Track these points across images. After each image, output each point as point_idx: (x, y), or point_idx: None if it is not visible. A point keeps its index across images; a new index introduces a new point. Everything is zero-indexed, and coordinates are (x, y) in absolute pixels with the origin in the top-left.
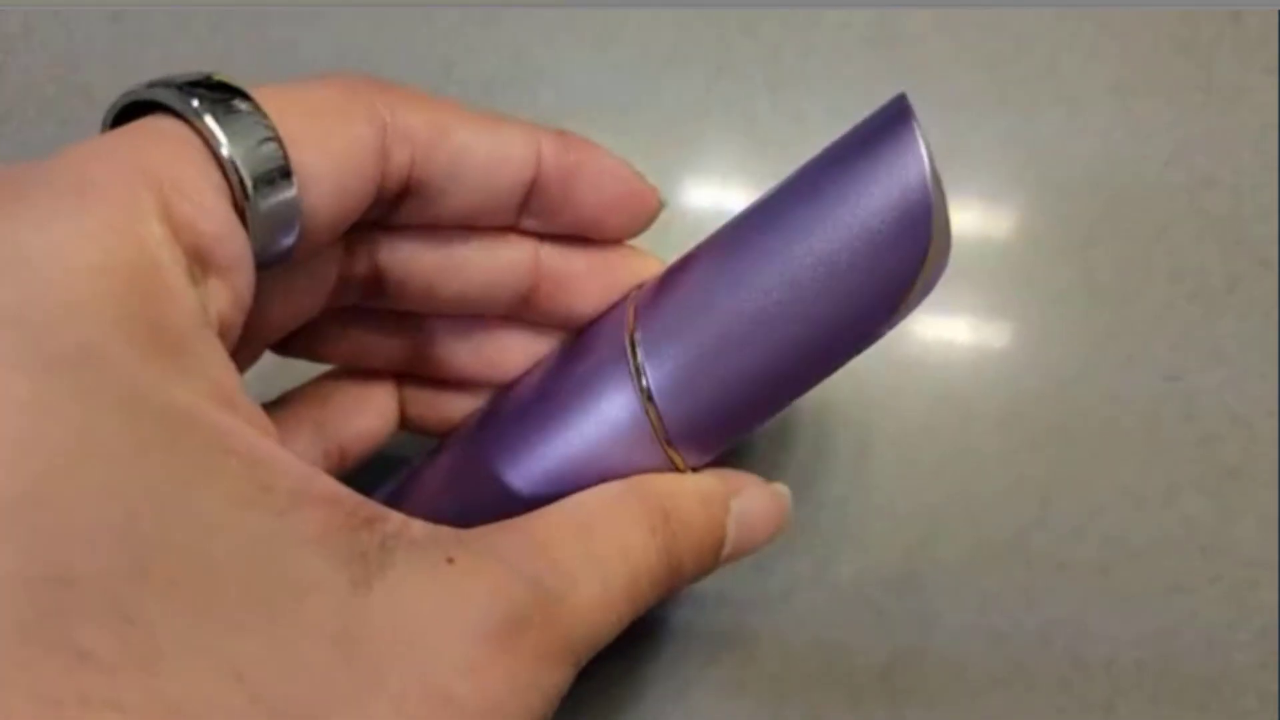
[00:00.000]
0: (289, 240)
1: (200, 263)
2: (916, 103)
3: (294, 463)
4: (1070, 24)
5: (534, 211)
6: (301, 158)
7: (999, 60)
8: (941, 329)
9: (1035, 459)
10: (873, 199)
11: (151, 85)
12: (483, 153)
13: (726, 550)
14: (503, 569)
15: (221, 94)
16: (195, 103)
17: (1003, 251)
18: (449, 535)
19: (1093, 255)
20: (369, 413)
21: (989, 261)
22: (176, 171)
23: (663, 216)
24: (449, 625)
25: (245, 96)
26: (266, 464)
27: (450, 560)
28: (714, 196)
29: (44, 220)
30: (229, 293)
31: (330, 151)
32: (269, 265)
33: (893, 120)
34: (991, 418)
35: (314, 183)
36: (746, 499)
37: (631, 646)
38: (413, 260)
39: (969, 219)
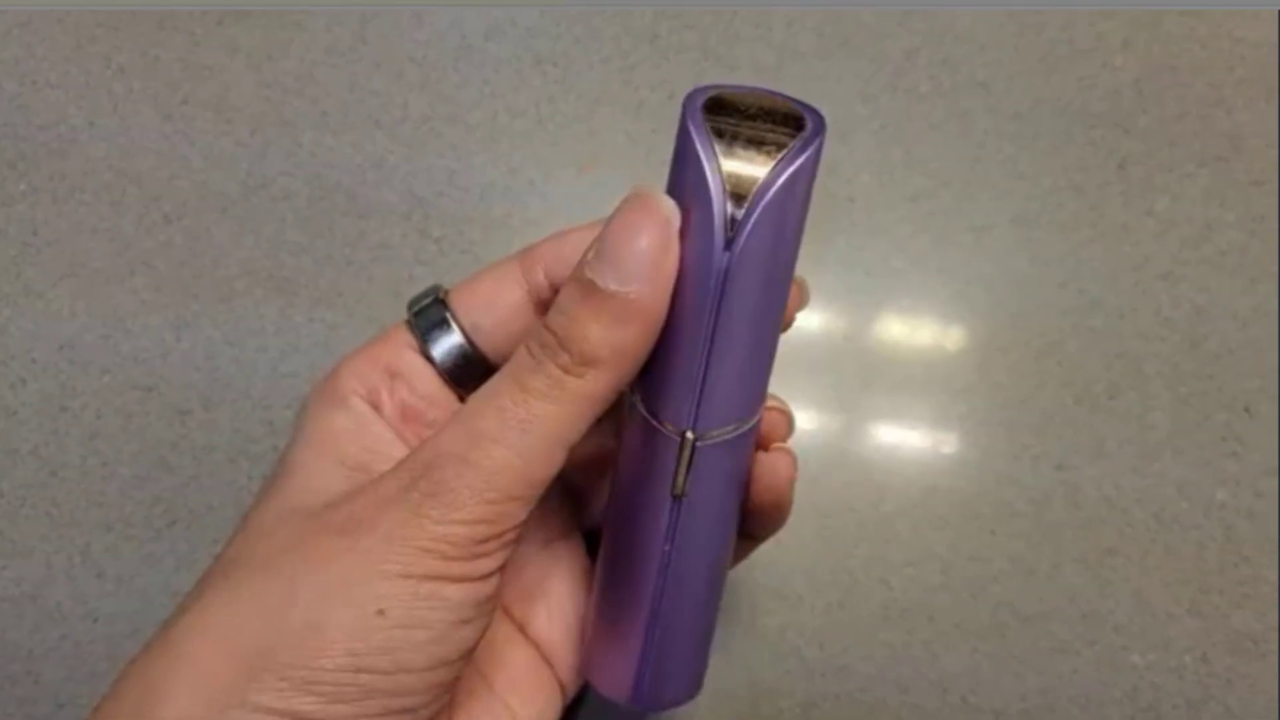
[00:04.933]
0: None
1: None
2: (849, 227)
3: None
4: (981, 165)
5: None
6: (474, 320)
7: (920, 194)
8: (862, 422)
9: (940, 533)
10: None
11: (413, 306)
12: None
13: (613, 287)
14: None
15: (433, 318)
16: (423, 339)
17: (915, 357)
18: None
19: (996, 362)
20: None
21: (905, 364)
22: (401, 364)
23: None
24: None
25: (444, 314)
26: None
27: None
28: None
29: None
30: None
31: (494, 311)
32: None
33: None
34: (903, 497)
35: (483, 331)
36: (599, 239)
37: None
38: None
39: (888, 330)
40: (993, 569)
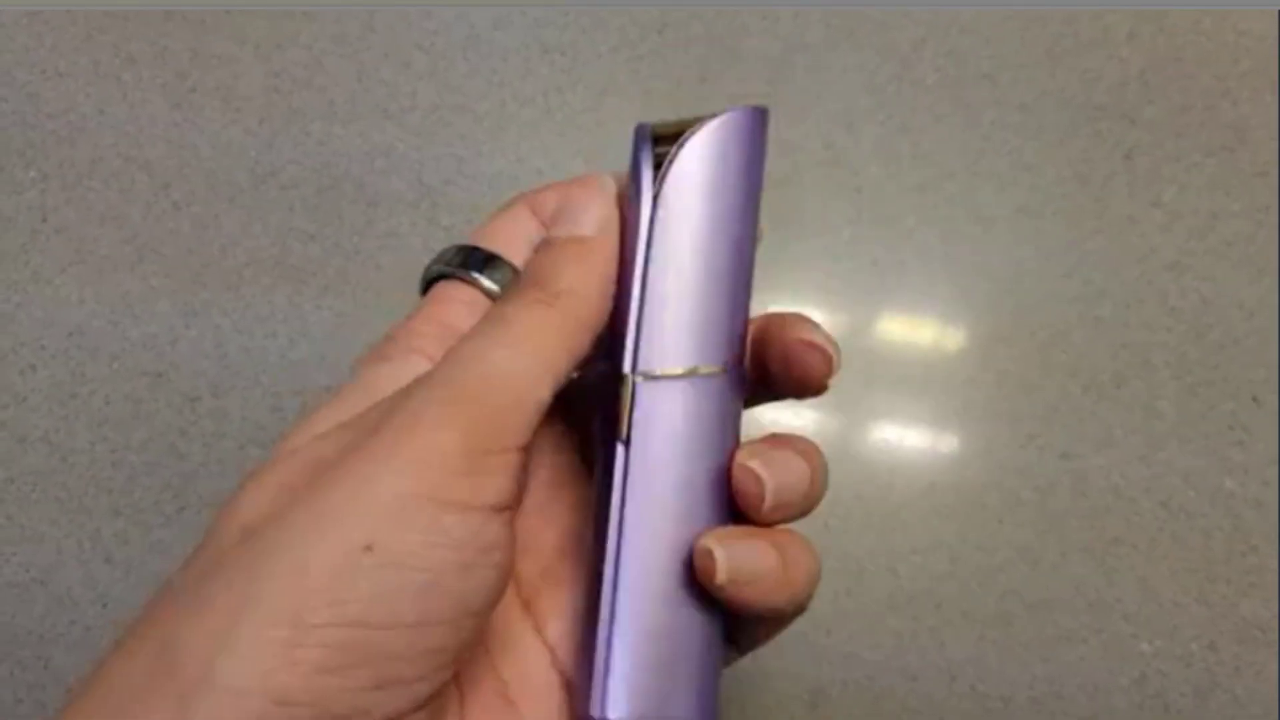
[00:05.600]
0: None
1: None
2: (854, 218)
3: None
4: (987, 157)
5: None
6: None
7: (925, 185)
8: (869, 412)
9: (947, 522)
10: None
11: (447, 263)
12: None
13: (564, 234)
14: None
15: (478, 259)
16: (476, 275)
17: (922, 348)
18: None
19: (1000, 351)
20: None
21: (911, 354)
22: (461, 315)
23: None
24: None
25: (485, 253)
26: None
27: None
28: None
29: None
30: None
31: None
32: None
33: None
34: (910, 486)
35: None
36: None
37: None
38: None
39: (895, 319)
40: (1000, 558)
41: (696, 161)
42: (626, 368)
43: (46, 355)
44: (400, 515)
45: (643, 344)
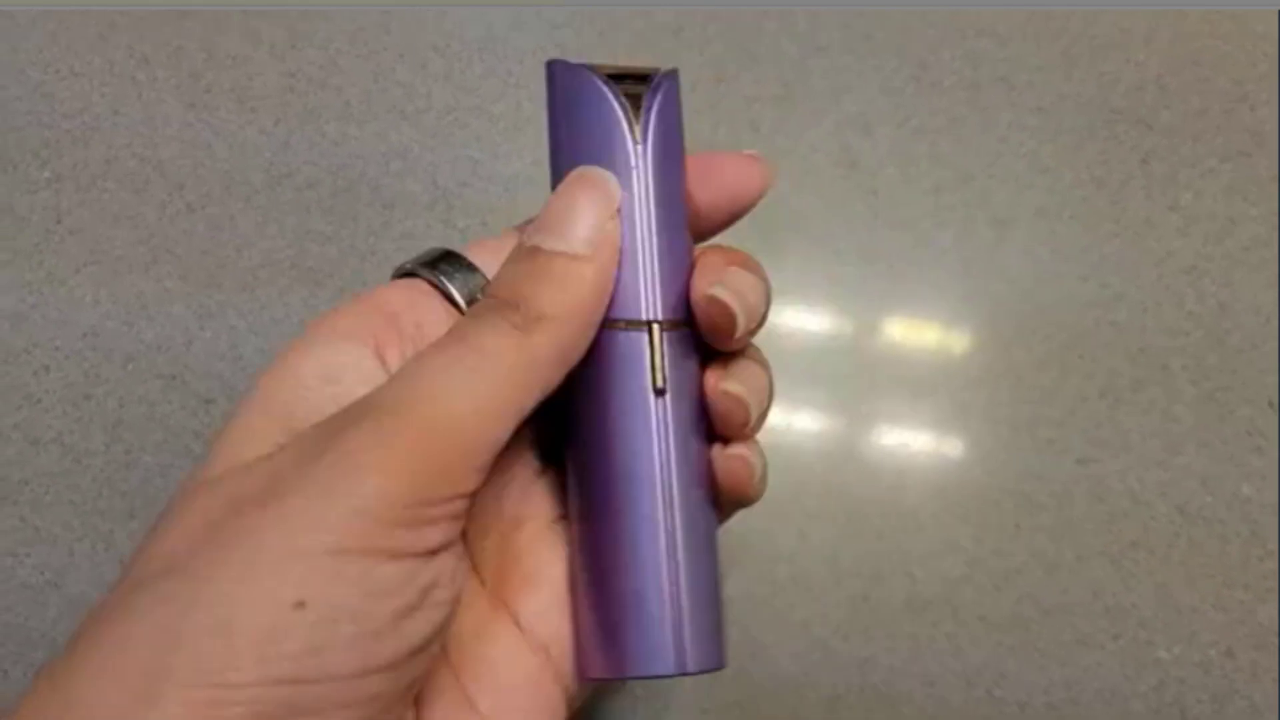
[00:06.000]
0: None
1: None
2: (871, 220)
3: None
4: (1004, 160)
5: None
6: None
7: (942, 187)
8: (884, 414)
9: (963, 526)
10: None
11: (420, 264)
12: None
13: (548, 245)
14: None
15: (450, 262)
16: (440, 277)
17: (937, 350)
18: None
19: (1018, 355)
20: None
21: (928, 358)
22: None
23: None
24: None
25: (461, 258)
26: None
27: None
28: None
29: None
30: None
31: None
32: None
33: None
34: (926, 490)
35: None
36: (539, 215)
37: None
38: None
39: (909, 321)
40: (1016, 562)
41: (671, 106)
42: (647, 315)
43: (60, 356)
44: (334, 570)
45: (660, 293)
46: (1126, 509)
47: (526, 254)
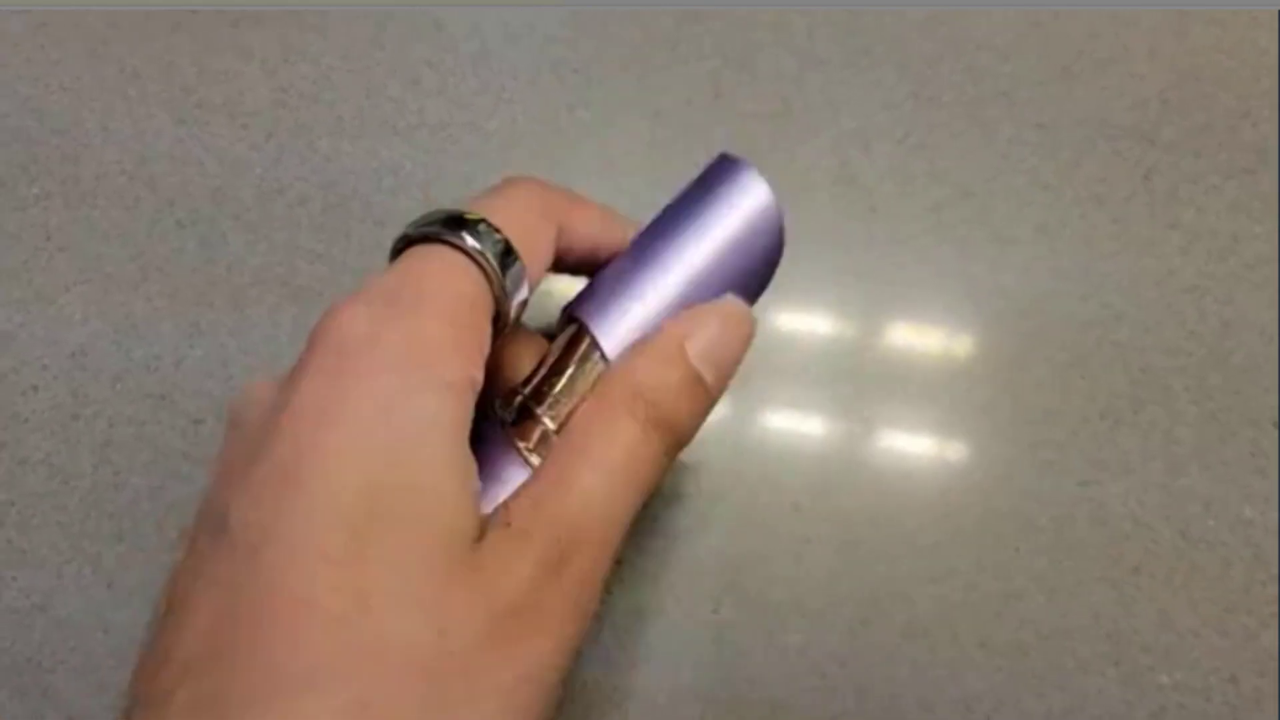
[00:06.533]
0: (524, 300)
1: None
2: (869, 238)
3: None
4: (1004, 176)
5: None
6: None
7: (941, 203)
8: (882, 436)
9: (962, 550)
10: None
11: (431, 224)
12: (606, 241)
13: (710, 382)
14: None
15: (473, 225)
16: (469, 239)
17: (936, 370)
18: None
19: (1018, 375)
20: None
21: (927, 379)
22: (466, 289)
23: None
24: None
25: (488, 223)
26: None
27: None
28: None
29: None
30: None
31: (537, 254)
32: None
33: (733, 167)
34: (925, 513)
35: (528, 274)
36: (702, 334)
37: (611, 709)
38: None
39: (911, 340)
40: (1016, 586)
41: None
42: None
43: (49, 376)
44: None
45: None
46: (1128, 532)
47: (689, 377)
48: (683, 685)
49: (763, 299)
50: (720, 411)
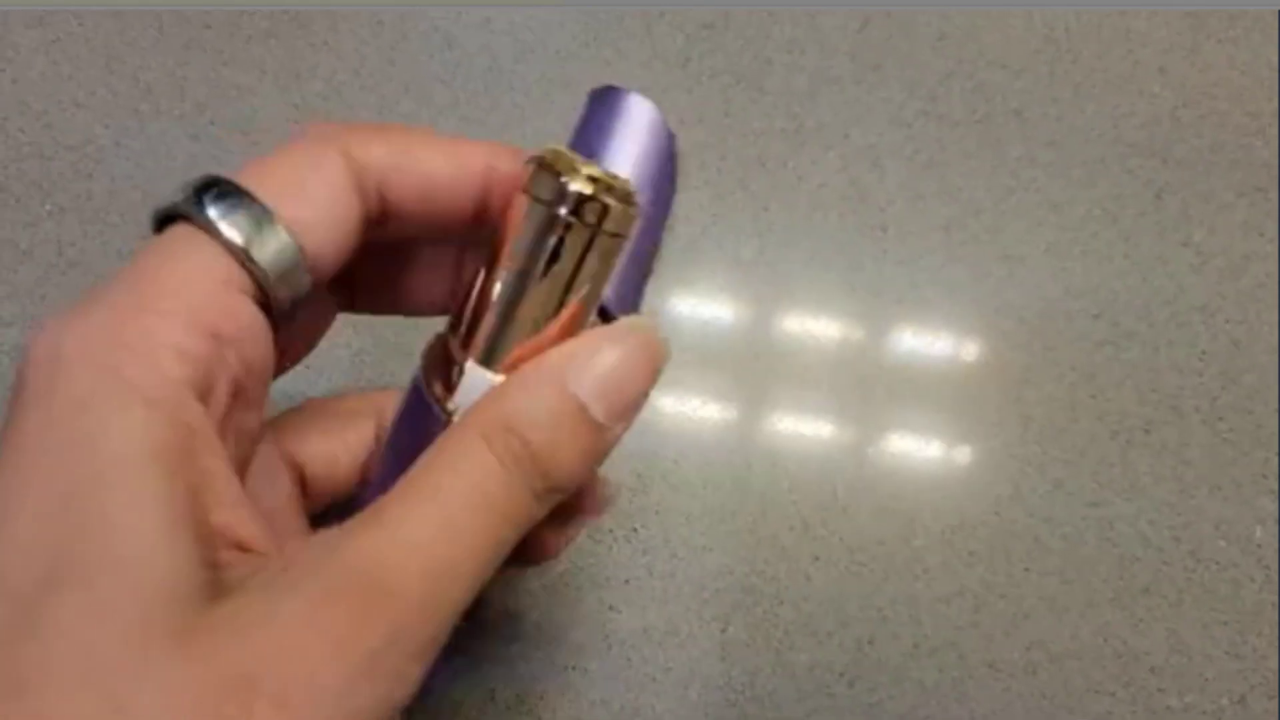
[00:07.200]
0: (304, 283)
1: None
2: (880, 255)
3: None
4: (1015, 194)
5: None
6: (290, 213)
7: (952, 223)
8: (893, 454)
9: (971, 569)
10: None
11: (180, 201)
12: (446, 173)
13: (601, 418)
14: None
15: (223, 193)
16: (210, 209)
17: (948, 388)
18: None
19: (1028, 395)
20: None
21: (936, 397)
22: (208, 288)
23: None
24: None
25: (239, 189)
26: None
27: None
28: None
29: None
30: (251, 351)
31: (313, 200)
32: (295, 304)
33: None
34: (934, 532)
35: (308, 230)
36: (597, 361)
37: None
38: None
39: (921, 359)
40: (1025, 606)
41: None
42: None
43: None
44: None
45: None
46: (1138, 553)
47: (575, 415)
48: (691, 704)
49: (773, 317)
50: (729, 430)
